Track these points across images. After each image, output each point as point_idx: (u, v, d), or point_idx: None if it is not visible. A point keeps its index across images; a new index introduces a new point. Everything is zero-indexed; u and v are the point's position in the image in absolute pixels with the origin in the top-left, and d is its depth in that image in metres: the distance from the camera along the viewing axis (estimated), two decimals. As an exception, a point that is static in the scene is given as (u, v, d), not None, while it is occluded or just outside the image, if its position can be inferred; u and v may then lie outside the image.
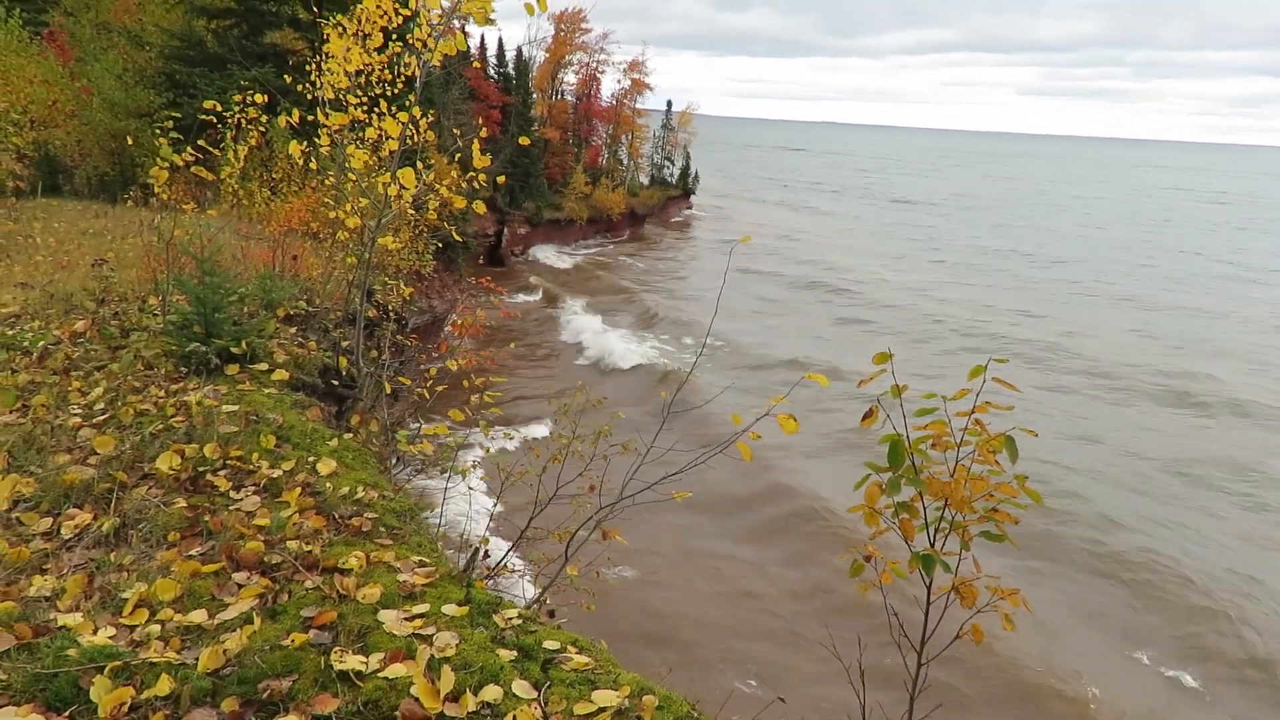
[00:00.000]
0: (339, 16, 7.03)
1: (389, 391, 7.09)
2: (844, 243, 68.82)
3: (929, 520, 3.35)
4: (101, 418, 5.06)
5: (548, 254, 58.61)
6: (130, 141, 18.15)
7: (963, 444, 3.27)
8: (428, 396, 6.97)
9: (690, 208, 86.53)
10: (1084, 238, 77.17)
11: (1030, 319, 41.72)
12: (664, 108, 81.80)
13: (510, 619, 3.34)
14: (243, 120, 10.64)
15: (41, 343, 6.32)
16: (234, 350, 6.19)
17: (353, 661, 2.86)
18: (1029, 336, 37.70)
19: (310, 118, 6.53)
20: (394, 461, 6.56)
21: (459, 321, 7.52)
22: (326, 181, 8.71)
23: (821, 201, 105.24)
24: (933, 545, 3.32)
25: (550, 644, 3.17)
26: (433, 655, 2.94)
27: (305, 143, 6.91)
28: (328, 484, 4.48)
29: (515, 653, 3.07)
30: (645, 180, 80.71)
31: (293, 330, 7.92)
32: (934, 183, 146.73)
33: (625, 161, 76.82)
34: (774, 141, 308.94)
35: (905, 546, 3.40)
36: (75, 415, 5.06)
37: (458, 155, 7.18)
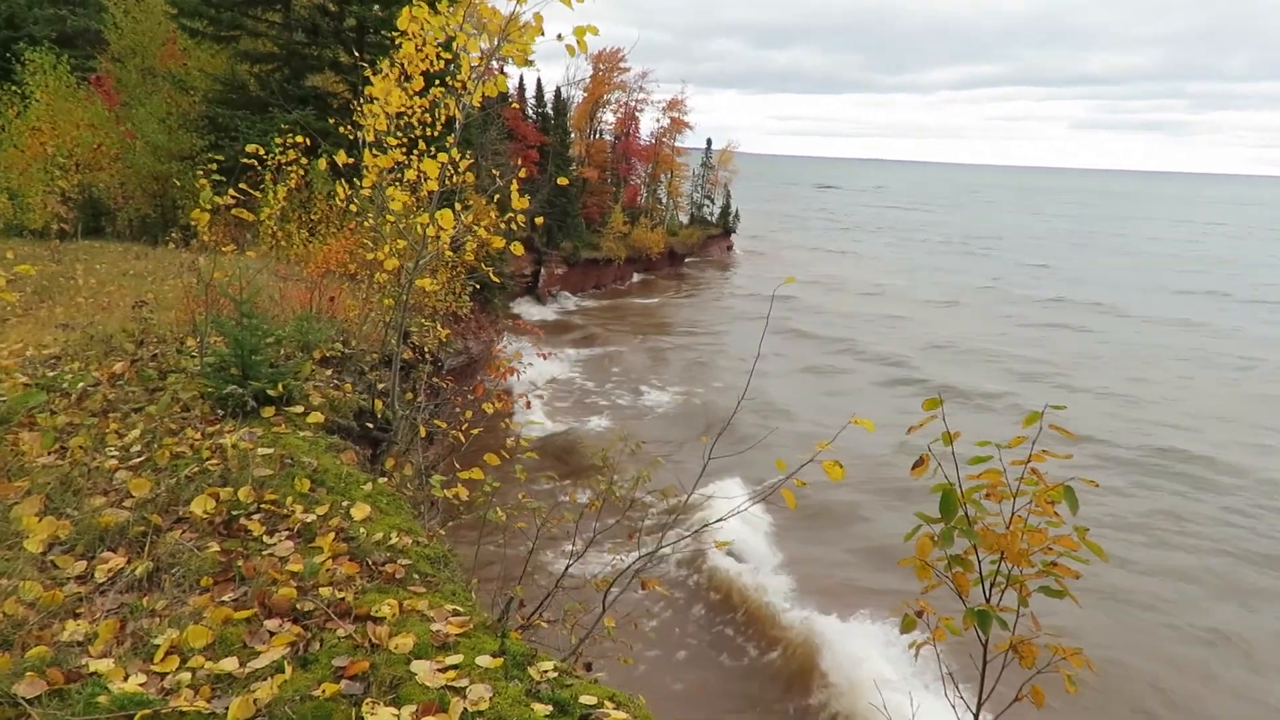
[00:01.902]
0: (382, 61, 7.24)
1: (424, 435, 7.16)
2: (888, 288, 67.88)
3: (984, 574, 3.28)
4: (138, 460, 5.17)
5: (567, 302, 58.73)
6: (175, 183, 18.74)
7: (1019, 494, 3.21)
8: (463, 440, 7.02)
9: (731, 247, 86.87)
10: (1147, 280, 75.61)
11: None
12: (704, 146, 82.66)
13: (545, 672, 3.32)
14: (283, 162, 10.95)
15: (81, 384, 6.50)
16: (270, 393, 6.30)
17: (384, 714, 2.86)
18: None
19: (350, 160, 6.71)
20: (427, 507, 6.60)
21: (495, 364, 7.60)
22: (365, 223, 8.91)
23: (867, 241, 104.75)
24: (989, 600, 3.25)
25: (587, 699, 3.14)
26: (466, 709, 2.93)
27: (347, 184, 7.09)
28: (361, 529, 4.52)
29: (551, 707, 3.04)
30: (685, 219, 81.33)
31: (329, 372, 8.05)
32: (983, 221, 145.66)
33: (664, 200, 77.57)
34: (817, 179, 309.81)
35: (959, 602, 3.33)
36: (112, 457, 5.18)
37: (496, 196, 7.30)
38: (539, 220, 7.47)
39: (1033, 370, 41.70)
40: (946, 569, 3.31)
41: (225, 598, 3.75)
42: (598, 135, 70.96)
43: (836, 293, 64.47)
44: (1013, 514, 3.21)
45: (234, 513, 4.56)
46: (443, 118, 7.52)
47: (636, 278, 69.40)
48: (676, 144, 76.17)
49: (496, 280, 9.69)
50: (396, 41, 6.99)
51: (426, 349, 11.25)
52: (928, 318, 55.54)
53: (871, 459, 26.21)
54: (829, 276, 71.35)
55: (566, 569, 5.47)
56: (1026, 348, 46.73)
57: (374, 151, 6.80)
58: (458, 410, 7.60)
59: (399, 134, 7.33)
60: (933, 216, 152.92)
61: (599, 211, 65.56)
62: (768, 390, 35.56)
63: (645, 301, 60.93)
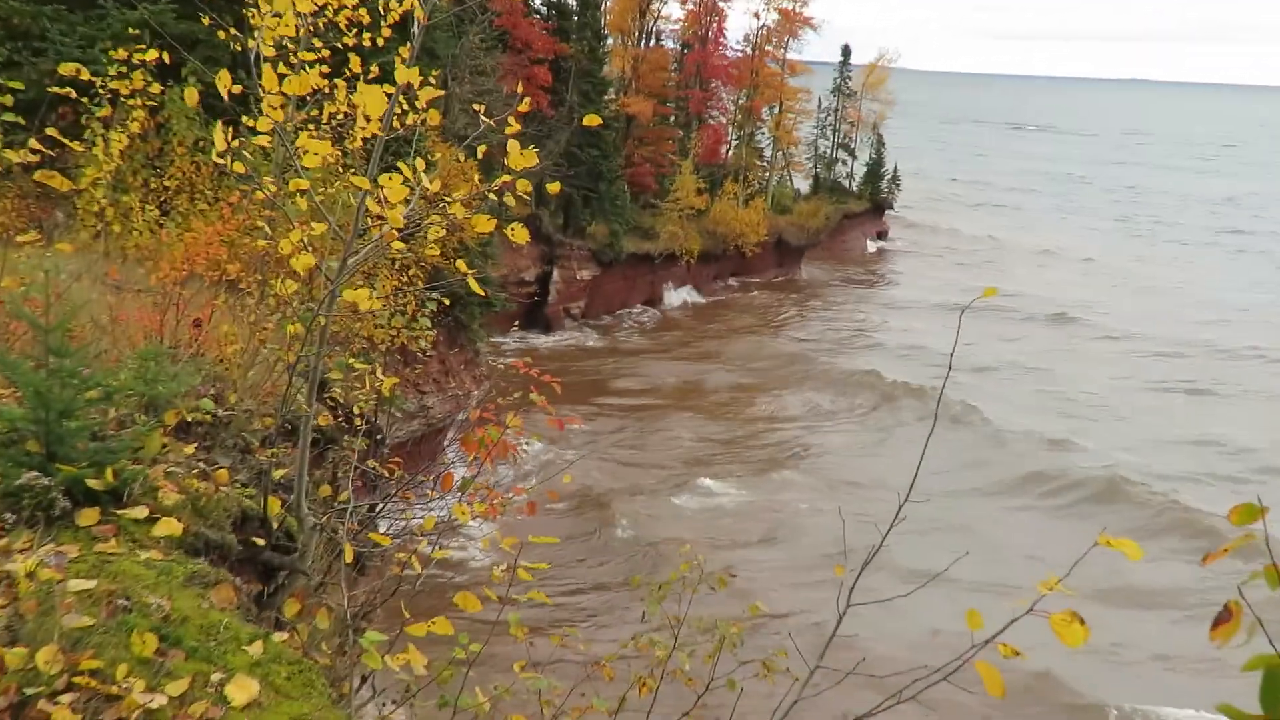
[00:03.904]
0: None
1: (351, 559, 7.19)
2: (1143, 325, 65.83)
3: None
4: None
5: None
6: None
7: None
8: (419, 568, 7.05)
9: (884, 233, 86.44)
10: None
11: None
12: (837, 59, 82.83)
13: None
14: (121, 92, 11.23)
15: None
16: (93, 484, 6.40)
17: None
18: None
19: (239, 88, 6.85)
20: (357, 683, 6.62)
21: (472, 438, 7.61)
22: (256, 195, 9.07)
23: (1112, 231, 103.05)
24: None
25: None
26: None
27: (230, 128, 7.22)
28: (244, 722, 4.55)
29: None
30: (803, 186, 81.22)
31: (191, 449, 8.15)
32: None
33: (768, 154, 77.66)
34: (1026, 115, 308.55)
35: None
36: None
37: (479, 147, 7.40)
38: (552, 188, 7.51)
39: None
40: (1276, 808, 3.23)
41: (12, 838, 3.79)
42: (653, 42, 71.52)
43: (1055, 330, 63.05)
44: (1394, 713, 3.13)
45: (28, 691, 4.62)
46: (391, 18, 7.66)
47: (717, 289, 69.26)
48: (789, 56, 76.48)
49: (480, 292, 9.77)
50: (314, -111, 7.14)
51: (357, 409, 11.35)
52: (1222, 388, 53.87)
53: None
54: (1043, 296, 69.46)
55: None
56: None
57: (281, 73, 6.94)
58: (413, 517, 7.65)
59: (317, 44, 7.48)
60: (1233, 185, 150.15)
61: (654, 173, 65.63)
62: (940, 497, 35.27)
63: (724, 341, 60.33)
